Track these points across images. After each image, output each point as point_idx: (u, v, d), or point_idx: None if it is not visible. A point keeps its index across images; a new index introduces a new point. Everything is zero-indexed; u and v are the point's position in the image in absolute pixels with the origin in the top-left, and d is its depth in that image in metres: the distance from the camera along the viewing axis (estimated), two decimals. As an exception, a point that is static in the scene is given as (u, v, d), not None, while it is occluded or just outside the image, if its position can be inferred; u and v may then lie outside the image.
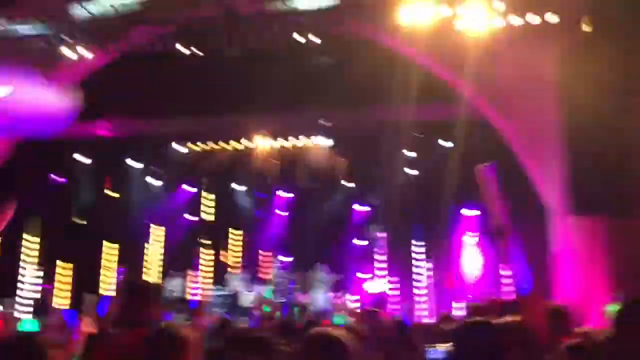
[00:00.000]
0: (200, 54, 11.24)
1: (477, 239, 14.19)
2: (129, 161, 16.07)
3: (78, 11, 10.72)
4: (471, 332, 2.59)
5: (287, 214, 16.31)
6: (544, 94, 10.18)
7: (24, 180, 13.33)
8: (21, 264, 14.50)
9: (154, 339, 2.29)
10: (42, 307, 13.39)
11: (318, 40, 10.70)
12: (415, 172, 14.99)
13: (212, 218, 16.61)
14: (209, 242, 16.09)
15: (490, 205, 1.99)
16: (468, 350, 2.52)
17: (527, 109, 10.38)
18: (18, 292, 14.09)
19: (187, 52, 11.29)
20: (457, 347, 2.61)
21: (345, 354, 2.61)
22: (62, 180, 15.22)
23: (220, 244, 16.30)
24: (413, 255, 14.81)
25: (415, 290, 14.64)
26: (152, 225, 16.35)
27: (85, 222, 15.35)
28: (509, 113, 10.77)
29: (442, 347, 4.33)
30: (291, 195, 16.27)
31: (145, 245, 16.22)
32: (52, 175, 15.10)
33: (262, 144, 15.23)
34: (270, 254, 15.92)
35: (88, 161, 15.21)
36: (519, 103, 10.44)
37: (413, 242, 14.82)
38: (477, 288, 13.49)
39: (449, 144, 13.49)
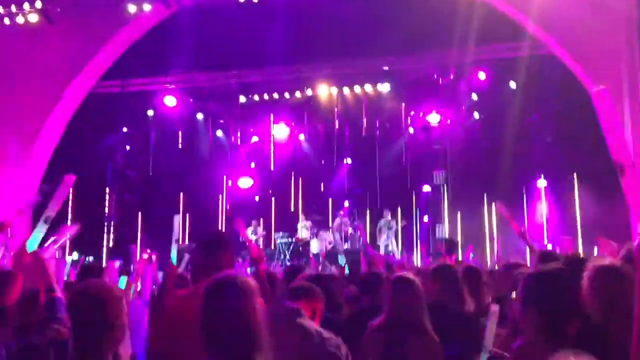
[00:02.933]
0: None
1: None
2: (198, 116, 16.52)
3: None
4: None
5: (351, 161, 16.40)
6: (615, 29, 9.68)
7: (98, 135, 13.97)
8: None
9: (214, 287, 2.21)
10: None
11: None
12: (478, 116, 14.72)
13: (278, 168, 16.84)
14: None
15: (610, 135, 1.73)
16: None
17: (597, 44, 9.88)
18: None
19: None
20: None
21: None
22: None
23: (286, 193, 16.60)
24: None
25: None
26: (224, 176, 16.78)
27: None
28: (577, 50, 10.30)
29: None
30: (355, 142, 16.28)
31: (220, 197, 16.64)
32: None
33: (325, 92, 15.28)
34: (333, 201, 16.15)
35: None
36: (588, 39, 9.94)
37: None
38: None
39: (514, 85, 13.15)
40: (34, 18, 10.22)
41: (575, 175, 13.78)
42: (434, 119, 15.14)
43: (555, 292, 2.31)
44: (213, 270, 3.10)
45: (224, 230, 15.65)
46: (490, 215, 14.47)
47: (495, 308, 2.94)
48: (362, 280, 4.60)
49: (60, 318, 2.07)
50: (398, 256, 13.86)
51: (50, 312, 2.10)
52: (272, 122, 16.38)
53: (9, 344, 1.85)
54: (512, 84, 13.41)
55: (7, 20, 10.07)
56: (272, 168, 16.72)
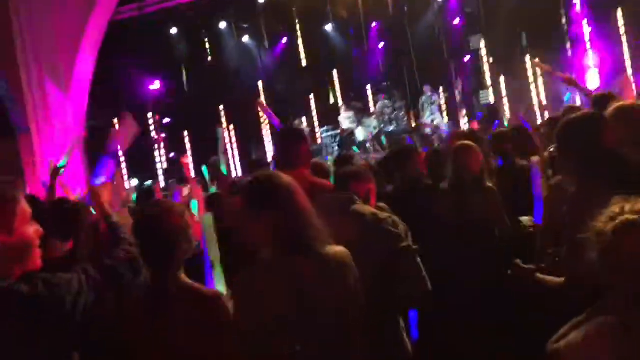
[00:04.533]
0: None
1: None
2: (220, 24, 16.21)
3: None
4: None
5: (382, 43, 15.95)
6: None
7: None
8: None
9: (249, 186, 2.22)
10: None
11: None
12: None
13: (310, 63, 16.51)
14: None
15: None
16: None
17: None
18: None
19: None
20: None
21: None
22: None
23: (323, 86, 16.41)
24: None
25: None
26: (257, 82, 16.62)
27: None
28: None
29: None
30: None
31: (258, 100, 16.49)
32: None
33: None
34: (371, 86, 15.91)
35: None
36: None
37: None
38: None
39: None
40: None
41: (620, 10, 13.08)
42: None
43: (587, 135, 2.31)
44: (290, 164, 3.19)
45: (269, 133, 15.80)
46: (535, 72, 14.01)
47: (535, 159, 3.01)
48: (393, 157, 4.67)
49: (124, 238, 2.17)
50: (445, 129, 13.77)
51: (113, 235, 2.20)
52: (296, 17, 15.92)
53: (87, 268, 1.97)
54: None
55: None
56: (304, 64, 16.43)
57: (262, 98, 16.29)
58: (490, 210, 3.71)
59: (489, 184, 3.86)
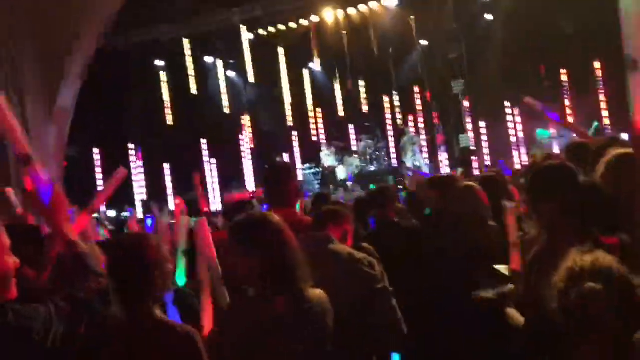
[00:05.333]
0: None
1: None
2: (206, 58, 16.36)
3: None
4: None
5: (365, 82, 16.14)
6: None
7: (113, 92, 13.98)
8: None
9: (237, 226, 2.37)
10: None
11: None
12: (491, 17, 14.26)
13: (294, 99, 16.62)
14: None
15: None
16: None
17: None
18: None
19: None
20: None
21: None
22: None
23: (306, 124, 16.50)
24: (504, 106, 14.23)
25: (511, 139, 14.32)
26: (241, 116, 16.67)
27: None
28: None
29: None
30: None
31: (240, 137, 16.51)
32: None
33: (330, 16, 14.96)
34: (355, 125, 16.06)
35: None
36: None
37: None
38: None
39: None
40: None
41: (599, 64, 13.46)
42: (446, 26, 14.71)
43: (554, 187, 2.33)
44: (281, 202, 3.21)
45: (252, 168, 15.81)
46: (515, 120, 14.24)
47: (508, 204, 3.03)
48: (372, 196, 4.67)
49: (92, 270, 2.11)
50: (426, 170, 13.85)
51: (79, 266, 2.12)
52: (282, 55, 16.10)
53: (56, 299, 1.93)
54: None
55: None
56: (289, 100, 16.54)
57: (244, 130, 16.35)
58: (492, 248, 3.60)
59: (492, 223, 3.77)
